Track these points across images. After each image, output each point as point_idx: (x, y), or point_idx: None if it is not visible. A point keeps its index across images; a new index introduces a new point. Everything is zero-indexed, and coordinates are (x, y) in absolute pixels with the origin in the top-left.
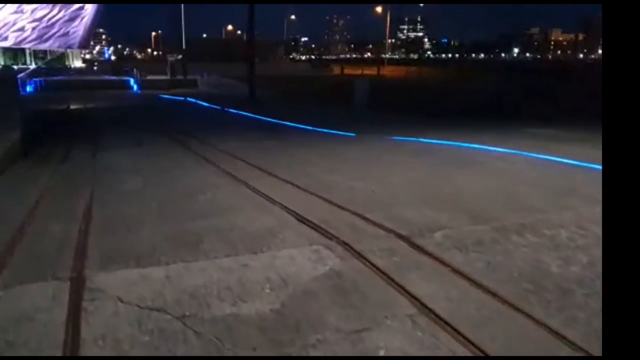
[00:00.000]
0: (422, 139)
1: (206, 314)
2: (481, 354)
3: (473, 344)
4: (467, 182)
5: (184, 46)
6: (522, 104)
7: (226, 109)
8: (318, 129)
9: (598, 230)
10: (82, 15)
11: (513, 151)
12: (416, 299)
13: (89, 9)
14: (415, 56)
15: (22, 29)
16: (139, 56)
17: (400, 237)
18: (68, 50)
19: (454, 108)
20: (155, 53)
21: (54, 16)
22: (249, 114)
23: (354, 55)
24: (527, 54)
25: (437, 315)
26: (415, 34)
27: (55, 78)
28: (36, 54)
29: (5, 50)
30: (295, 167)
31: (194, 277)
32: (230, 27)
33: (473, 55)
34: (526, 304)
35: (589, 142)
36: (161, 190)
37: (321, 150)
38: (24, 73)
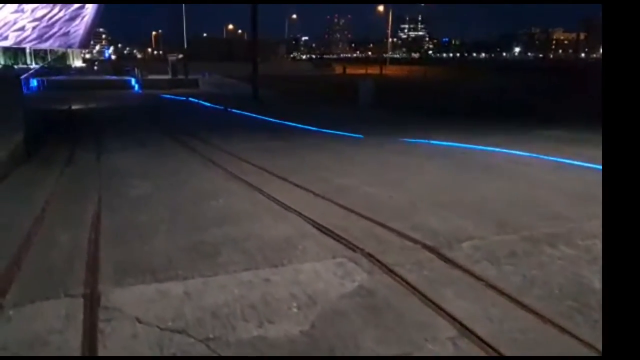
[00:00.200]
0: (432, 141)
1: (231, 337)
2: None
3: None
4: (487, 187)
5: (185, 45)
6: (529, 104)
7: (229, 109)
8: (324, 130)
9: None
10: (82, 15)
11: (527, 154)
12: (455, 319)
13: (90, 8)
14: (417, 55)
15: (22, 29)
16: (139, 56)
17: (428, 248)
18: (68, 50)
19: (460, 108)
20: (155, 52)
21: (55, 15)
22: (252, 115)
23: (354, 55)
24: (529, 54)
25: (480, 338)
26: (416, 33)
27: (56, 78)
28: (36, 54)
29: (6, 49)
30: (306, 170)
31: (215, 293)
32: (231, 26)
33: (474, 54)
34: (573, 325)
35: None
36: (170, 195)
37: (330, 152)
38: (28, 73)
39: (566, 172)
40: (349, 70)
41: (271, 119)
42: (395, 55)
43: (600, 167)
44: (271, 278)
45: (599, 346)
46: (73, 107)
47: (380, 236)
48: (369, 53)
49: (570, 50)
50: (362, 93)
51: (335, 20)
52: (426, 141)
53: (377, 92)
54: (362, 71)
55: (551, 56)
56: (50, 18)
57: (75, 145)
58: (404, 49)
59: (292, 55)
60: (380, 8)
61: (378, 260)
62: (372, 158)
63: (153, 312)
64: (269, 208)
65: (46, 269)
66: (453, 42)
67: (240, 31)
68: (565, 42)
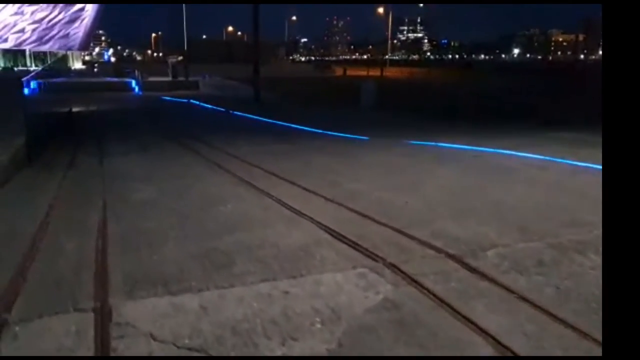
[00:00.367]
0: (441, 144)
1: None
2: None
3: None
4: (503, 192)
5: (185, 47)
6: (532, 106)
7: (231, 112)
8: (328, 132)
9: None
10: (82, 17)
11: (541, 156)
12: (490, 335)
13: (89, 10)
14: (416, 57)
15: (22, 31)
16: (138, 57)
17: (451, 257)
18: (68, 52)
19: (464, 110)
20: (155, 54)
21: (54, 18)
22: (255, 117)
23: (353, 57)
24: (528, 55)
25: (519, 357)
26: (415, 34)
27: (56, 80)
28: (36, 56)
29: (5, 52)
30: (314, 174)
31: (232, 307)
32: (230, 28)
33: (473, 55)
34: None
35: None
36: (177, 200)
37: (337, 155)
38: (30, 75)
39: (585, 176)
40: (349, 72)
41: (274, 121)
42: (394, 57)
43: None
44: (290, 290)
45: None
46: (74, 110)
47: (400, 244)
48: (369, 55)
49: (569, 52)
50: (364, 94)
51: (334, 22)
52: (434, 144)
53: (379, 94)
54: (364, 73)
55: (550, 58)
56: (50, 20)
57: (77, 148)
58: (402, 51)
59: (291, 57)
60: (380, 10)
61: (401, 271)
62: (380, 161)
63: (168, 328)
64: (280, 213)
65: (53, 280)
66: (452, 43)
67: (239, 33)
68: (564, 43)
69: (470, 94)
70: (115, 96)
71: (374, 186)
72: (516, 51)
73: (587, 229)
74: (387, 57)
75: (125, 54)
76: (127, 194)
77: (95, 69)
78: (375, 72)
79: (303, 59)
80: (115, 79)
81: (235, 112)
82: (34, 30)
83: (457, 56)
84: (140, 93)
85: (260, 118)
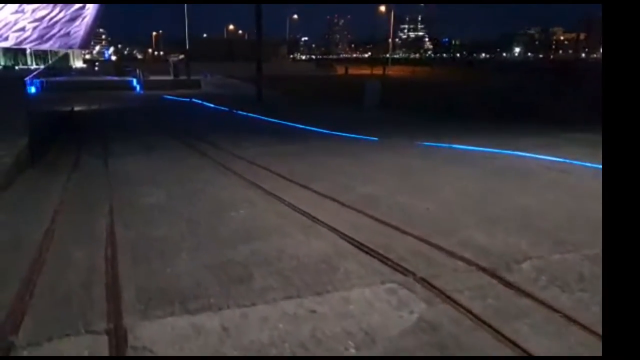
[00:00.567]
0: (454, 145)
1: None
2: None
3: None
4: (527, 197)
5: (187, 46)
6: (541, 105)
7: (235, 111)
8: (335, 133)
9: None
10: (83, 15)
11: (560, 159)
12: None
13: (90, 8)
14: (417, 56)
15: (22, 29)
16: (139, 56)
17: (484, 270)
18: (69, 51)
19: (469, 109)
20: (155, 53)
21: (55, 16)
22: (258, 116)
23: (354, 55)
24: (529, 54)
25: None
26: (415, 33)
27: (57, 79)
28: (37, 55)
29: (6, 50)
30: (326, 176)
31: (256, 328)
32: (232, 27)
33: (474, 54)
34: None
35: None
36: (187, 205)
37: (347, 157)
38: (32, 74)
39: None
40: (351, 71)
41: (278, 121)
42: (395, 56)
43: None
44: (317, 309)
45: None
46: (75, 109)
47: (427, 255)
48: (369, 53)
49: (570, 51)
50: (368, 94)
51: (335, 20)
52: (447, 145)
53: (383, 93)
54: (366, 71)
55: (552, 56)
56: (51, 19)
57: (80, 148)
58: (403, 49)
59: (292, 56)
60: (382, 8)
61: (433, 286)
62: (393, 163)
63: (189, 352)
64: (295, 220)
65: (62, 296)
66: (453, 42)
67: (240, 32)
68: (565, 42)
69: (476, 92)
70: (116, 95)
71: (390, 190)
72: (517, 50)
73: None
74: (389, 55)
75: (125, 52)
76: (134, 198)
77: (96, 68)
78: (377, 71)
79: (304, 57)
80: (116, 78)
81: (239, 112)
82: (34, 28)
83: (458, 55)
84: (142, 92)
85: (265, 118)
